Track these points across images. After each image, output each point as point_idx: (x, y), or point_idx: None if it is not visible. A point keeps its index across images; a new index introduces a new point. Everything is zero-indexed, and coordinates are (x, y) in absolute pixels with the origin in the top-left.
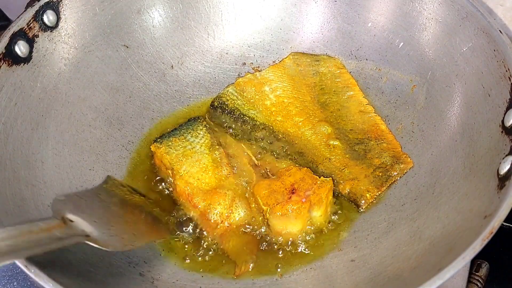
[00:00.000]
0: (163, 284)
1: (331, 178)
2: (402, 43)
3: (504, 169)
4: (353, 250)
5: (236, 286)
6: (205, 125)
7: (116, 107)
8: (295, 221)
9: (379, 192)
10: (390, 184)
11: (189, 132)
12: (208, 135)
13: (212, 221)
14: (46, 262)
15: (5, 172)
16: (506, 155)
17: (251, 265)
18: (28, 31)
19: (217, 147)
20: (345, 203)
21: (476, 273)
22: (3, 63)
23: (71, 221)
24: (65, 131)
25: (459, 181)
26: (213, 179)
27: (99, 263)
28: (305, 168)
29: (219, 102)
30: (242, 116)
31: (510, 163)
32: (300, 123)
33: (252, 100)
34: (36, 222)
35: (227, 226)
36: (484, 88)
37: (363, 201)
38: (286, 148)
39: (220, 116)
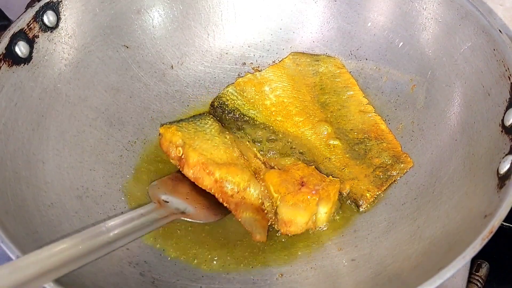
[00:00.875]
0: (164, 284)
1: (338, 179)
2: (402, 43)
3: (504, 168)
4: (354, 250)
5: (237, 286)
6: (212, 118)
7: (116, 107)
8: (303, 212)
9: (379, 192)
10: (390, 184)
11: (198, 120)
12: (216, 124)
13: (228, 189)
14: None
15: (5, 172)
16: (506, 155)
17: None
18: (28, 31)
19: (227, 132)
20: (345, 203)
21: (476, 273)
22: (3, 64)
23: (166, 201)
24: (66, 131)
25: (459, 181)
26: (225, 156)
27: (100, 262)
28: (312, 166)
29: (219, 102)
30: (242, 116)
31: (510, 162)
32: (300, 123)
33: (252, 100)
34: (137, 209)
35: (242, 199)
36: (483, 88)
37: (363, 201)
38: (286, 148)
39: (220, 116)
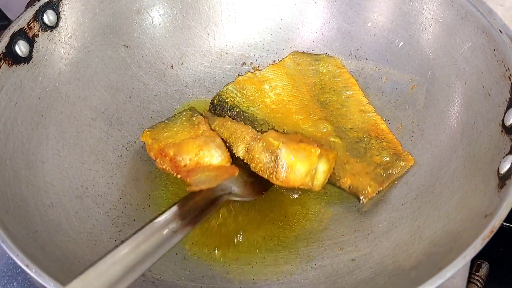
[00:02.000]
0: (164, 284)
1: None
2: (402, 43)
3: (504, 168)
4: (354, 250)
5: (237, 286)
6: (190, 109)
7: (116, 107)
8: (305, 160)
9: (381, 188)
10: (391, 182)
11: (172, 116)
12: (189, 112)
13: (180, 161)
14: (48, 262)
15: (5, 171)
16: (506, 154)
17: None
18: (28, 30)
19: (196, 115)
20: (346, 203)
21: (476, 273)
22: (3, 63)
23: None
24: (65, 131)
25: (459, 181)
26: (188, 135)
27: None
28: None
29: (219, 100)
30: (242, 113)
31: (510, 162)
32: (300, 121)
33: (252, 98)
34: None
35: (196, 164)
36: (484, 88)
37: (364, 195)
38: None
39: (220, 114)
